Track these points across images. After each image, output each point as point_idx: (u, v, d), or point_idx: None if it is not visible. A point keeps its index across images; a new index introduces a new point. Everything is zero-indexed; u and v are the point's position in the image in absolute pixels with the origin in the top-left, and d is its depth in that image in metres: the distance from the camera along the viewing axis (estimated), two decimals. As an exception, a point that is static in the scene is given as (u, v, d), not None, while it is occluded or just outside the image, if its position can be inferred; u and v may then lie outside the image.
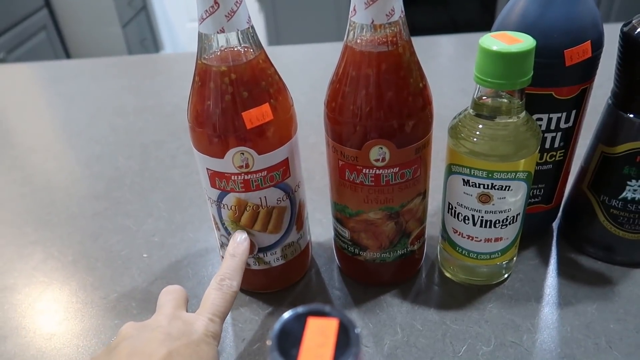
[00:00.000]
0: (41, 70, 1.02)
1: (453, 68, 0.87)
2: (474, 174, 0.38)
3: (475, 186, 0.38)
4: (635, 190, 0.42)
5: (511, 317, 0.42)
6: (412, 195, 0.40)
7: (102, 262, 0.51)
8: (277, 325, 0.19)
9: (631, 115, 0.40)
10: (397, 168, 0.37)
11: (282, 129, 0.38)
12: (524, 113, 0.37)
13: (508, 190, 0.38)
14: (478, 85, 0.36)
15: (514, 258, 0.45)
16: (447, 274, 0.46)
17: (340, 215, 0.42)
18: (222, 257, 0.45)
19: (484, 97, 0.37)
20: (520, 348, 0.39)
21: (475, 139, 0.37)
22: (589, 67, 0.39)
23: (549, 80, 0.39)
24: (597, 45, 0.38)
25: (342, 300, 0.45)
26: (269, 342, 0.20)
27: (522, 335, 0.40)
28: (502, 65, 0.34)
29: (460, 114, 0.39)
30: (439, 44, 0.97)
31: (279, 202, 0.40)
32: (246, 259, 0.39)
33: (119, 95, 0.85)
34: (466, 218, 0.40)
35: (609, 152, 0.42)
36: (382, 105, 0.35)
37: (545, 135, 0.42)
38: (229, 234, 0.41)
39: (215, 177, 0.38)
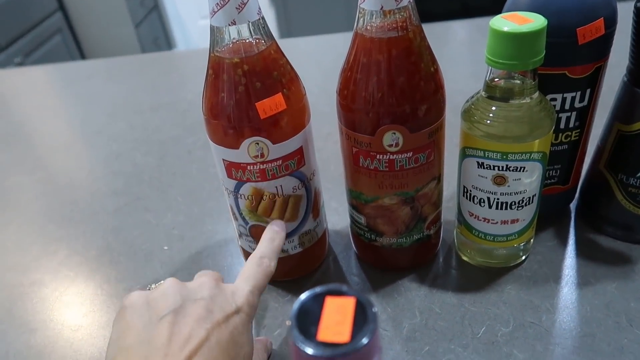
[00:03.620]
0: (58, 72, 1.04)
1: (466, 53, 0.86)
2: (488, 156, 0.38)
3: (490, 168, 0.38)
4: (653, 167, 0.41)
5: (530, 298, 0.42)
6: (426, 179, 0.40)
7: (125, 256, 0.52)
8: (295, 305, 0.19)
9: (647, 92, 0.40)
10: (411, 153, 0.38)
11: (295, 118, 0.38)
12: (537, 93, 0.37)
13: (523, 171, 0.38)
14: (490, 67, 0.36)
15: (532, 240, 0.45)
16: (465, 258, 0.46)
17: (356, 202, 0.43)
18: (241, 247, 0.46)
19: (496, 79, 0.37)
20: (539, 328, 0.39)
21: (488, 121, 0.37)
22: (603, 45, 0.39)
23: (562, 60, 0.39)
24: (611, 23, 0.38)
25: (360, 286, 0.45)
26: (288, 323, 0.21)
27: (541, 315, 0.40)
28: (513, 46, 0.34)
29: (472, 97, 0.39)
30: (451, 30, 0.96)
31: (295, 190, 0.40)
32: (282, 245, 0.38)
33: (135, 94, 0.87)
34: (482, 201, 0.41)
35: (626, 130, 0.42)
36: (394, 90, 0.36)
37: (560, 115, 0.42)
38: (247, 223, 0.42)
39: (232, 168, 0.39)
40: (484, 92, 0.38)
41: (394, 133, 0.37)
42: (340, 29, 1.06)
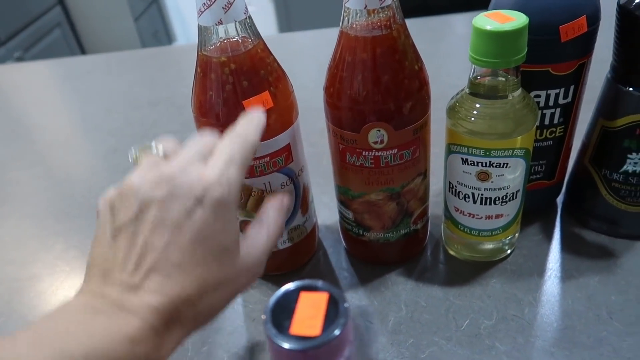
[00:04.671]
0: (57, 67, 1.05)
1: (464, 47, 0.87)
2: (472, 152, 0.39)
3: (474, 164, 0.39)
4: (635, 163, 0.42)
5: (513, 292, 0.43)
6: (412, 175, 0.41)
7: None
8: (271, 300, 0.20)
9: (630, 89, 0.40)
10: (396, 149, 0.38)
11: (283, 115, 0.39)
12: (520, 90, 0.38)
13: (506, 167, 0.39)
14: (474, 65, 0.37)
15: (517, 234, 0.46)
16: (451, 252, 0.47)
17: (344, 198, 0.43)
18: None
19: (479, 77, 0.38)
20: (521, 321, 0.40)
21: (472, 118, 0.38)
22: (586, 42, 0.40)
23: (545, 57, 0.40)
24: (593, 20, 0.39)
25: (348, 280, 0.46)
26: (263, 317, 0.22)
27: (524, 308, 0.41)
28: (495, 44, 0.35)
29: (457, 94, 0.40)
30: (449, 24, 0.96)
31: (283, 186, 0.41)
32: (262, 127, 0.32)
33: (133, 89, 0.88)
34: (466, 196, 0.41)
35: (609, 126, 0.43)
36: (378, 88, 0.36)
37: (544, 111, 0.42)
38: (236, 219, 0.43)
39: (221, 165, 0.40)
40: (467, 89, 0.38)
41: (379, 130, 0.37)
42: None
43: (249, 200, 0.41)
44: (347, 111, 0.38)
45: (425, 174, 0.42)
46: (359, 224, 0.44)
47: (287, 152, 0.40)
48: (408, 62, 0.37)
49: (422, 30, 0.80)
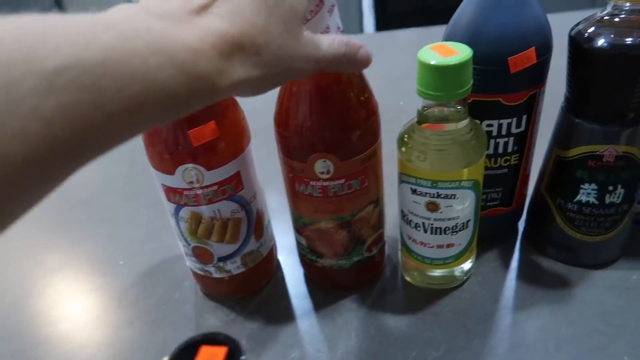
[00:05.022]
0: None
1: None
2: (419, 183, 0.39)
3: (422, 195, 0.39)
4: (588, 193, 0.42)
5: (464, 321, 0.43)
6: (362, 204, 0.41)
7: (80, 269, 0.53)
8: (172, 352, 0.20)
9: (582, 121, 0.40)
10: (343, 180, 0.38)
11: (231, 144, 0.39)
12: (467, 120, 0.38)
13: (454, 198, 0.39)
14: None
15: (471, 262, 0.45)
16: (407, 278, 0.47)
17: (297, 225, 0.43)
18: (189, 267, 0.47)
19: (427, 108, 0.37)
20: (468, 353, 0.40)
21: (419, 149, 0.38)
22: (537, 73, 0.39)
23: (495, 87, 0.40)
24: (544, 51, 0.38)
25: (303, 306, 0.46)
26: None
27: (472, 339, 0.41)
28: (439, 78, 0.35)
29: (407, 123, 0.40)
30: (434, 35, 0.96)
31: (234, 214, 0.41)
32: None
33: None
34: (417, 225, 0.41)
35: (563, 156, 0.42)
36: (322, 120, 0.36)
37: (498, 140, 0.42)
38: (189, 244, 0.43)
39: (170, 192, 0.40)
40: (416, 120, 0.38)
41: (325, 161, 0.37)
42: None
43: (199, 227, 0.41)
44: (293, 141, 0.38)
45: (377, 202, 0.42)
46: (312, 250, 0.44)
47: (237, 180, 0.40)
48: (353, 93, 0.37)
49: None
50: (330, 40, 0.29)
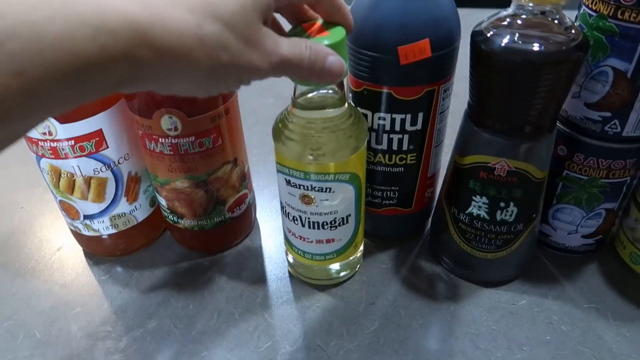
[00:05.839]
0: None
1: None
2: (292, 174, 0.35)
3: (296, 187, 0.36)
4: (480, 206, 0.39)
5: (331, 320, 0.40)
6: (217, 164, 0.39)
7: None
8: None
9: (478, 128, 0.36)
10: (193, 137, 0.37)
11: (93, 99, 0.36)
12: (345, 107, 0.34)
13: (329, 192, 0.35)
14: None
15: (355, 259, 0.43)
16: (290, 269, 0.44)
17: (155, 184, 0.42)
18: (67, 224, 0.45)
19: (301, 95, 0.34)
20: (323, 353, 0.38)
21: (292, 138, 0.34)
22: (433, 68, 0.36)
23: (386, 78, 0.36)
24: (441, 45, 0.34)
25: (173, 275, 0.44)
26: None
27: (332, 340, 0.39)
28: None
29: (281, 113, 0.36)
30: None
31: (97, 172, 0.39)
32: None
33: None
34: (295, 218, 0.38)
35: (460, 163, 0.39)
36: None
37: (391, 135, 0.39)
38: (56, 197, 0.41)
39: (28, 141, 0.37)
40: (289, 109, 0.35)
41: (170, 117, 0.35)
42: None
43: (60, 182, 0.39)
44: (139, 96, 0.36)
45: (235, 162, 0.40)
46: (172, 211, 0.43)
47: (99, 138, 0.38)
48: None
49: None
50: (293, 42, 0.25)
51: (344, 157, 0.34)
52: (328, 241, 0.39)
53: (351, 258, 0.42)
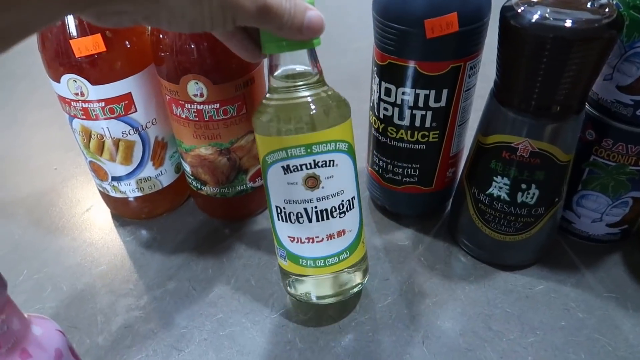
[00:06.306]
0: None
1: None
2: (291, 154, 0.32)
3: (298, 169, 0.33)
4: (500, 187, 0.38)
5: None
6: (240, 132, 0.40)
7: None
8: None
9: (503, 107, 0.36)
10: (218, 104, 0.37)
11: (122, 62, 0.37)
12: (322, 84, 0.33)
13: (332, 165, 0.33)
14: (273, 62, 0.32)
15: (365, 261, 0.39)
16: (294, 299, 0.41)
17: (180, 150, 0.43)
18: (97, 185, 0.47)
19: (277, 72, 0.32)
20: (335, 324, 0.39)
21: (280, 115, 0.32)
22: (460, 44, 0.35)
23: (411, 52, 0.36)
24: (469, 20, 0.34)
25: (197, 244, 0.45)
26: None
27: (344, 312, 0.39)
28: None
29: (259, 104, 0.34)
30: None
31: (125, 135, 0.40)
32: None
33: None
34: (300, 215, 0.34)
35: (482, 143, 0.38)
36: (193, 40, 0.35)
37: (414, 112, 0.39)
38: (86, 158, 0.43)
39: (61, 101, 0.39)
40: (268, 94, 0.33)
41: (197, 83, 0.36)
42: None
43: (90, 142, 0.41)
44: (167, 61, 0.37)
45: None
46: (196, 177, 0.44)
47: (128, 101, 0.39)
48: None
49: None
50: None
51: (335, 120, 0.32)
52: (339, 234, 0.36)
53: (364, 258, 0.39)
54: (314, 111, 0.32)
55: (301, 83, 0.32)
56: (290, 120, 0.32)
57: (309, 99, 0.32)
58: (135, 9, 0.22)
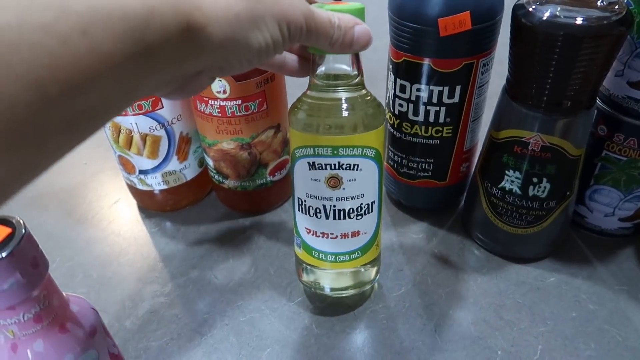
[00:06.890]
0: None
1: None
2: (318, 153, 0.34)
3: (322, 168, 0.34)
4: (512, 181, 0.39)
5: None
6: (261, 127, 0.42)
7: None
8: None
9: (514, 102, 0.37)
10: (240, 101, 0.39)
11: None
12: (361, 87, 0.33)
13: (356, 169, 0.34)
14: (314, 56, 0.32)
15: (378, 262, 0.40)
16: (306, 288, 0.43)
17: (203, 145, 0.45)
18: (124, 178, 0.49)
19: (319, 69, 0.33)
20: (350, 312, 0.40)
21: (314, 113, 0.33)
22: (473, 41, 0.36)
23: (425, 50, 0.37)
24: (481, 19, 0.35)
25: (218, 235, 0.47)
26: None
27: (359, 300, 0.41)
28: None
29: (298, 98, 0.35)
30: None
31: (152, 130, 0.42)
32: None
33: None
34: (318, 211, 0.36)
35: (495, 138, 0.40)
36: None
37: (428, 107, 0.40)
38: (115, 152, 0.45)
39: (93, 98, 0.41)
40: (309, 91, 0.34)
41: (220, 80, 0.38)
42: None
43: (120, 137, 0.43)
44: None
45: (278, 128, 0.43)
46: (218, 171, 0.46)
47: (155, 98, 0.41)
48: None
49: None
50: (319, 10, 0.25)
51: (366, 127, 0.33)
52: (354, 234, 0.37)
53: (376, 260, 0.40)
54: (346, 114, 0.33)
55: (340, 84, 0.33)
56: (321, 120, 0.33)
57: (344, 102, 0.33)
58: (208, 61, 0.21)
